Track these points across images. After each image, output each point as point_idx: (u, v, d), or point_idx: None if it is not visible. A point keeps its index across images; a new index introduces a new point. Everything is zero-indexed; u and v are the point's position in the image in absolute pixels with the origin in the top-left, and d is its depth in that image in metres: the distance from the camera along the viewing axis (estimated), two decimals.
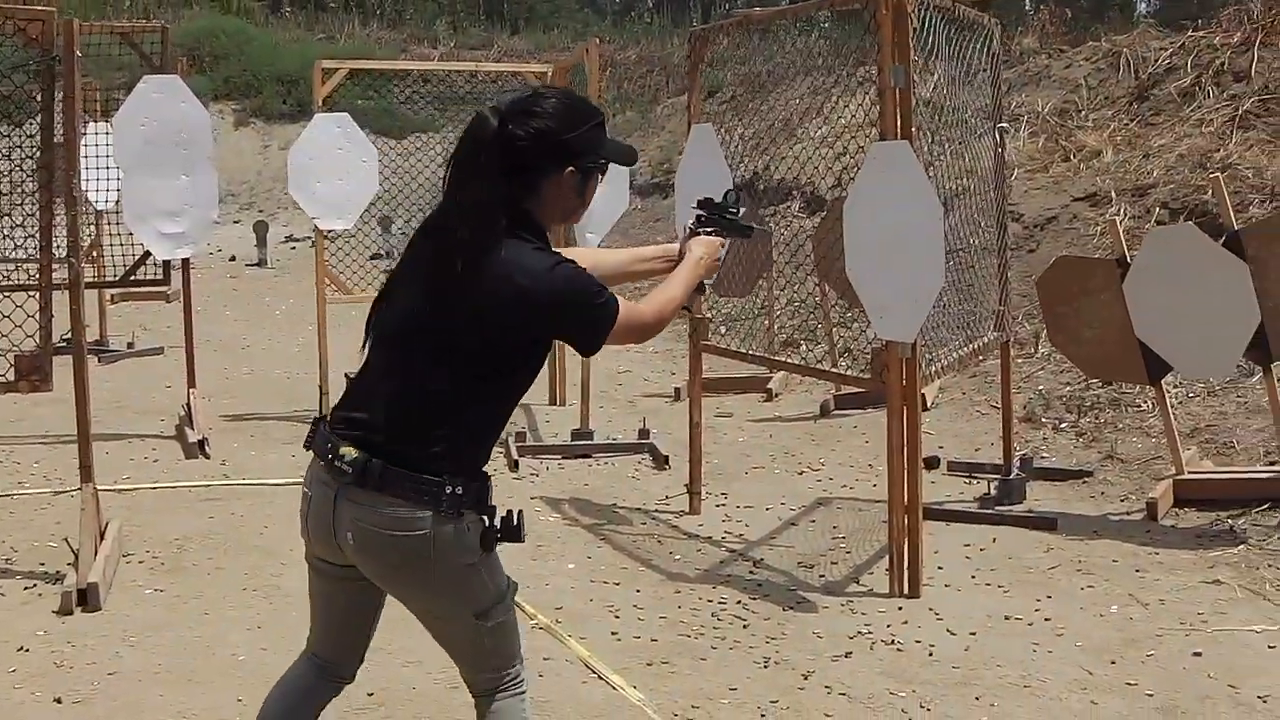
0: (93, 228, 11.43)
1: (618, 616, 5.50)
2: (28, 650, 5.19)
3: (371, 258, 16.71)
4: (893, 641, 5.18)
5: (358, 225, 9.56)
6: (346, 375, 3.92)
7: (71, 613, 5.57)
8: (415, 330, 3.05)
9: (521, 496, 7.43)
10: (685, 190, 6.94)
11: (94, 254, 11.31)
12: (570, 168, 3.11)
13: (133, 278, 8.94)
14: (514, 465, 8.03)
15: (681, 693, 4.70)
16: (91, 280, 9.62)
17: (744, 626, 5.37)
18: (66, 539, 6.21)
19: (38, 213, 5.77)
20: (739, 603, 5.64)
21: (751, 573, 6.07)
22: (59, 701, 4.71)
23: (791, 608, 5.58)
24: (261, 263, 19.53)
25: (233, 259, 19.92)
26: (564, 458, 8.32)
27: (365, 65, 10.46)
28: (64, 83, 5.62)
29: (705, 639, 5.23)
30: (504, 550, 3.22)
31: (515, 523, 3.17)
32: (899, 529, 5.67)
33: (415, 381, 3.04)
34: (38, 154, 5.74)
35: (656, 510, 7.17)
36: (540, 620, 5.42)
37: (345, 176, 9.17)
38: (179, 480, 7.80)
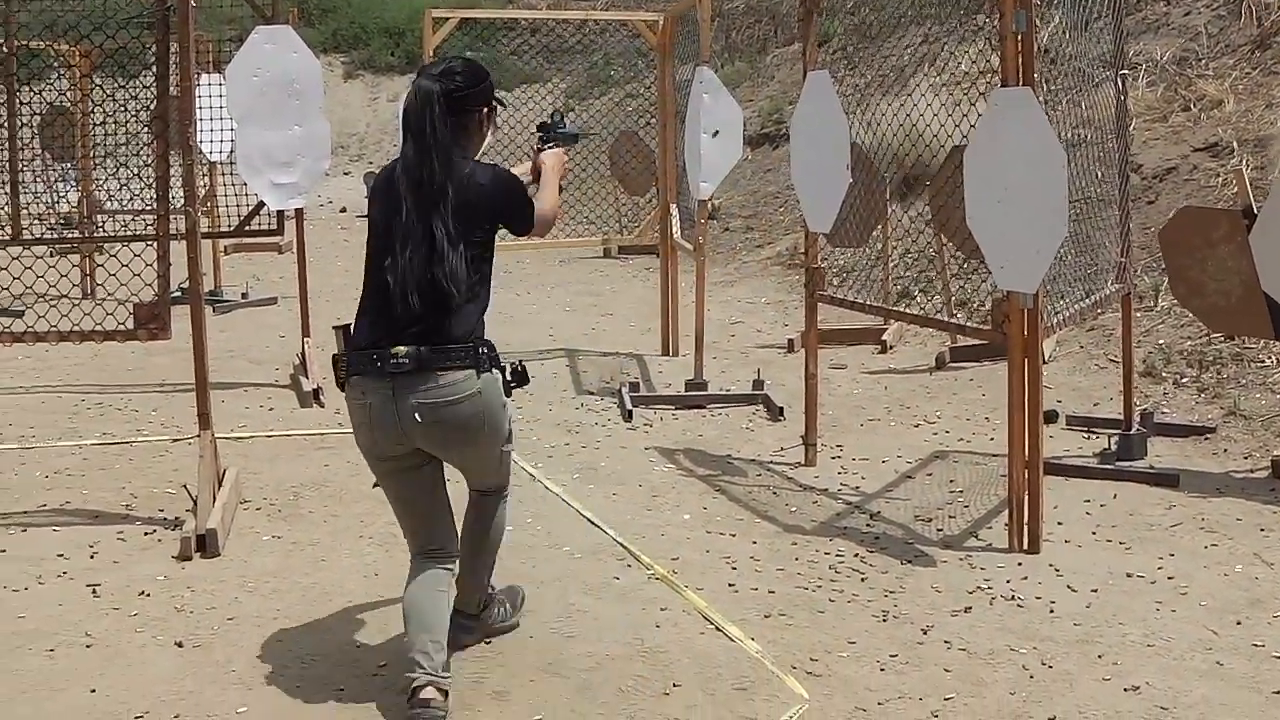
0: (206, 179, 11.57)
1: (734, 568, 5.46)
2: (148, 595, 5.27)
3: None
4: (1013, 597, 5.09)
5: None
6: (334, 326, 4.41)
7: (190, 558, 5.65)
8: (420, 243, 4.00)
9: (634, 446, 7.42)
10: (801, 138, 6.86)
11: (208, 205, 11.46)
12: (485, 108, 4.29)
13: (247, 228, 9.01)
14: (628, 415, 8.01)
15: (800, 645, 4.66)
16: (206, 231, 9.75)
17: (861, 580, 5.31)
18: (185, 485, 6.30)
19: (154, 164, 5.81)
20: (856, 555, 5.58)
21: (868, 526, 6.00)
22: (180, 645, 4.76)
23: (909, 561, 5.51)
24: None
25: (343, 210, 20.12)
26: (677, 408, 8.29)
27: (476, 14, 10.43)
28: (179, 34, 5.64)
29: (823, 591, 5.18)
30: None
31: (521, 370, 4.36)
32: (1019, 484, 5.57)
33: (434, 279, 3.98)
34: (153, 105, 5.76)
35: (771, 462, 7.12)
36: (657, 570, 5.41)
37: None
38: (294, 429, 7.89)
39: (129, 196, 8.09)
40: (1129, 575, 5.31)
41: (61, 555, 5.76)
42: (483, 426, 4.18)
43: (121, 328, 6.04)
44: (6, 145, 9.63)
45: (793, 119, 6.96)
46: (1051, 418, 7.61)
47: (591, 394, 8.70)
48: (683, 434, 7.71)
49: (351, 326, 4.21)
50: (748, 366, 9.24)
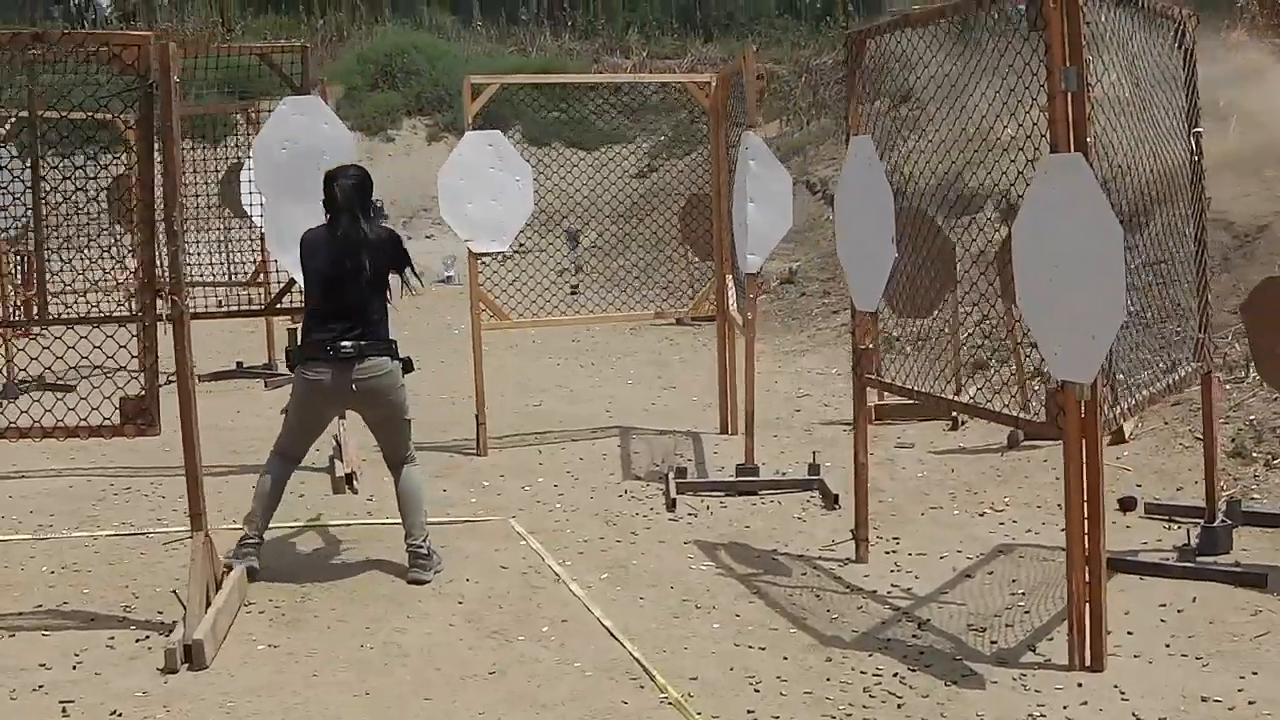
0: (259, 251, 11.29)
1: (757, 690, 4.92)
2: (120, 715, 4.87)
3: (559, 273, 16.48)
4: None
5: (545, 240, 9.17)
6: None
7: (175, 671, 5.24)
8: (347, 277, 6.20)
9: (674, 540, 6.90)
10: (845, 207, 6.35)
11: (260, 276, 11.18)
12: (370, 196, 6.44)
13: (279, 305, 8.64)
14: (670, 505, 7.50)
15: None
16: (246, 308, 9.45)
17: (898, 706, 4.74)
18: (175, 591, 5.90)
19: (137, 246, 5.44)
20: (895, 675, 5.01)
21: (914, 637, 5.43)
22: None
23: (954, 682, 4.93)
24: (448, 279, 19.38)
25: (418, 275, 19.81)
26: (727, 494, 7.77)
27: (516, 80, 10.05)
28: (162, 111, 5.28)
29: None
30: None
31: (407, 359, 6.43)
32: (1079, 593, 4.98)
33: (360, 300, 6.22)
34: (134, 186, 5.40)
35: (820, 558, 6.58)
36: (670, 694, 4.88)
37: (499, 196, 8.78)
38: (319, 519, 7.48)
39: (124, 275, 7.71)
40: (1204, 699, 4.70)
41: (44, 665, 5.38)
42: (392, 397, 6.37)
43: (107, 423, 5.64)
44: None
45: (836, 187, 6.46)
46: (1130, 505, 6.99)
47: (639, 479, 8.20)
48: (729, 525, 7.18)
49: (299, 334, 6.55)
50: (810, 445, 8.68)
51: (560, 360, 12.77)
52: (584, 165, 12.19)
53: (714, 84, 9.08)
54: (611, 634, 5.55)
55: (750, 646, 5.39)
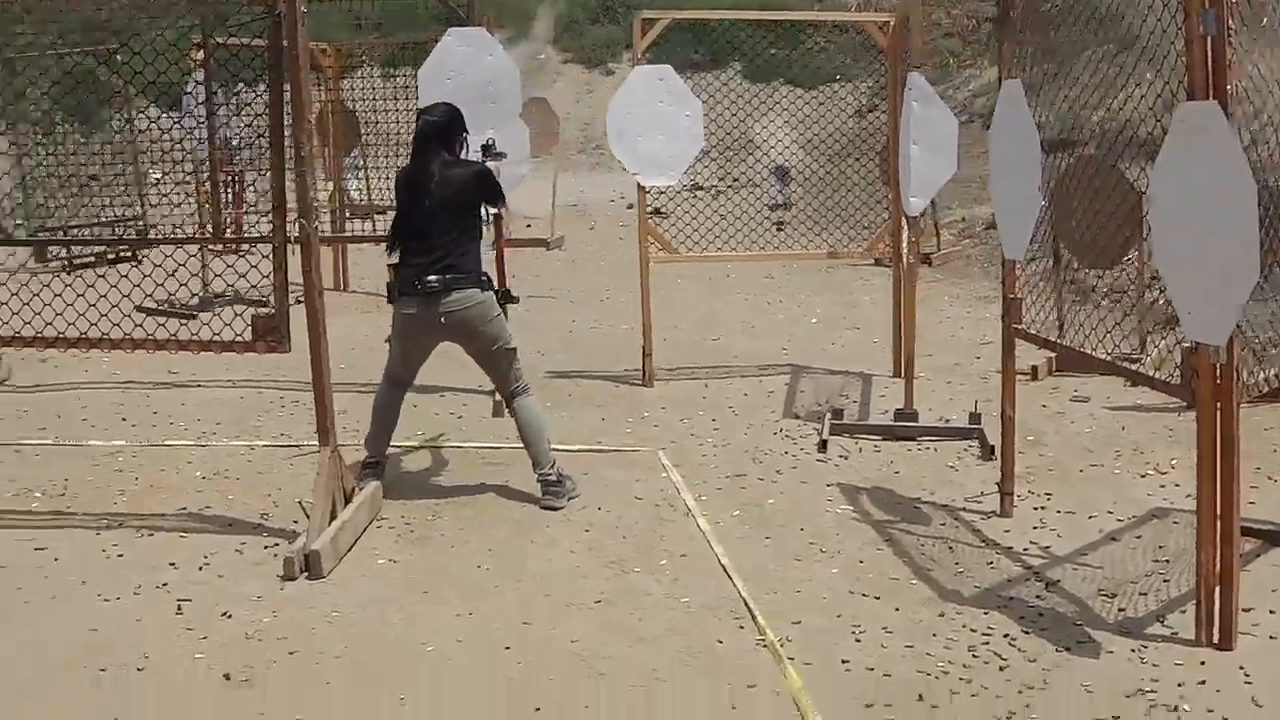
0: None
1: (859, 640, 4.77)
2: (230, 616, 5.01)
3: (771, 208, 16.31)
4: (1176, 708, 4.23)
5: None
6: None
7: (294, 579, 5.37)
8: (430, 213, 6.24)
9: (817, 482, 6.75)
10: (997, 153, 6.06)
11: None
12: (462, 134, 6.50)
13: None
14: (822, 445, 7.33)
15: None
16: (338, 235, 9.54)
17: (1000, 669, 4.53)
18: (300, 502, 6.01)
19: (270, 173, 5.50)
20: (1007, 636, 4.80)
21: (1038, 597, 5.19)
22: (227, 678, 4.48)
23: (1067, 649, 4.69)
24: (658, 211, 19.34)
25: (630, 207, 19.83)
26: (884, 439, 7.56)
27: (687, 15, 9.84)
28: (289, 40, 5.31)
29: (948, 679, 4.44)
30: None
31: (506, 290, 6.68)
32: (1208, 565, 4.67)
33: (442, 235, 6.23)
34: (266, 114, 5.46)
35: (963, 509, 6.35)
36: (768, 637, 4.76)
37: (667, 131, 8.65)
38: (470, 440, 7.54)
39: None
40: None
41: (173, 564, 5.59)
42: (485, 327, 6.35)
43: (239, 339, 5.75)
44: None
45: (990, 132, 6.17)
46: None
47: (797, 418, 8.04)
48: (877, 470, 6.99)
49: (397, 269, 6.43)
50: (985, 392, 8.37)
51: (749, 296, 12.62)
52: (801, 102, 12.00)
53: (893, 24, 8.76)
54: (726, 571, 5.45)
55: (864, 595, 5.23)
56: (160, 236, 8.49)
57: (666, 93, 8.68)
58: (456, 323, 6.26)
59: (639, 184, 8.93)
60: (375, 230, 11.35)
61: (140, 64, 6.65)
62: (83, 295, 6.18)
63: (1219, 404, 4.56)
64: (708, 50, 23.87)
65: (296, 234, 5.61)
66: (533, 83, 24.01)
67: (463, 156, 6.49)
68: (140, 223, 14.00)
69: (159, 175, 12.27)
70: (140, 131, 13.40)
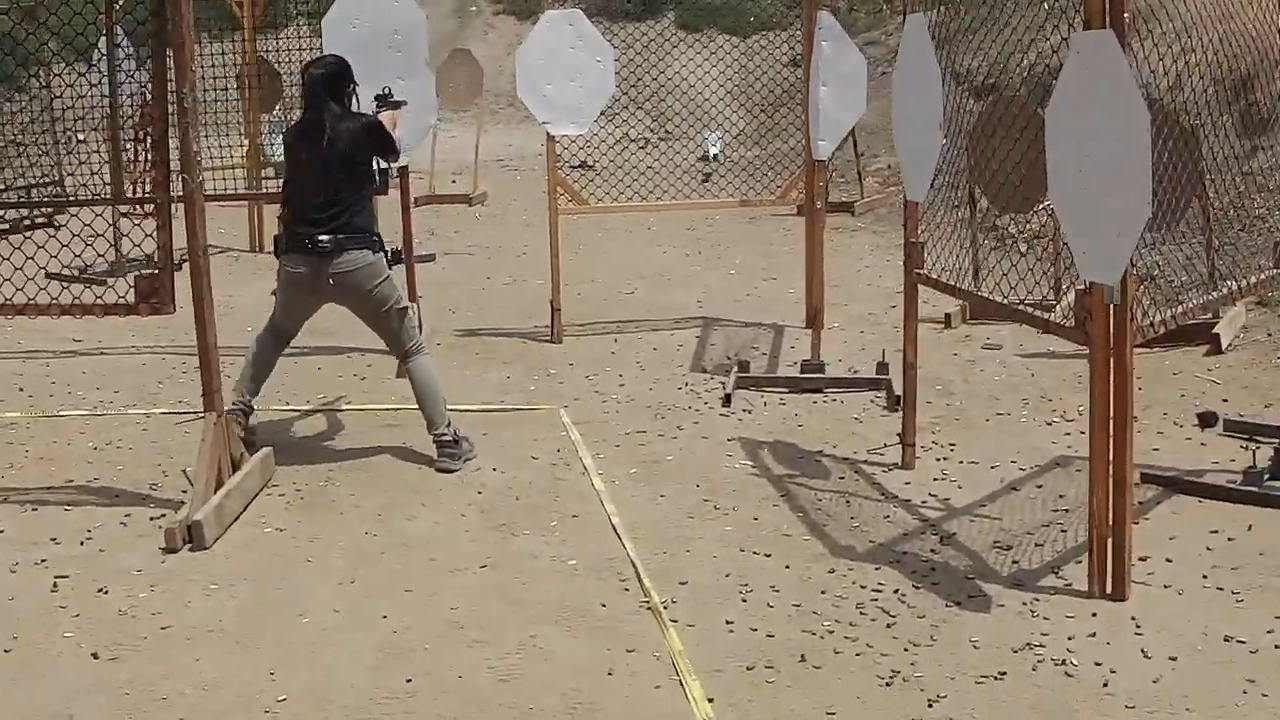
0: None
1: (744, 600, 4.68)
2: (106, 592, 4.86)
3: (701, 159, 16.13)
4: (1064, 661, 4.16)
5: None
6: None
7: (176, 550, 5.22)
8: (321, 168, 6.07)
9: (718, 437, 6.65)
10: (901, 92, 5.93)
11: None
12: (350, 85, 6.30)
13: None
14: (726, 400, 7.22)
15: (763, 713, 3.86)
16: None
17: (888, 625, 4.45)
18: (185, 470, 5.84)
19: (151, 128, 5.30)
20: (897, 592, 4.72)
21: (933, 551, 5.11)
22: (95, 657, 4.35)
23: (957, 603, 4.61)
24: (584, 165, 19.13)
25: (557, 159, 19.59)
26: (789, 391, 7.45)
27: None
28: None
29: (832, 639, 4.36)
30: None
31: (393, 252, 6.60)
32: (1100, 514, 4.60)
33: (340, 191, 6.09)
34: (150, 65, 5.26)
35: (866, 461, 6.26)
36: (652, 599, 4.65)
37: (578, 78, 8.46)
38: (372, 402, 7.37)
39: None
40: (1227, 639, 4.30)
41: (54, 539, 5.42)
42: (373, 288, 6.17)
43: (122, 302, 5.56)
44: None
45: (895, 71, 6.04)
46: (1209, 420, 6.53)
47: (705, 372, 7.92)
48: (781, 423, 6.89)
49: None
50: (897, 343, 8.26)
51: (668, 248, 12.46)
52: (736, 52, 11.83)
53: None
54: (615, 531, 5.34)
55: (755, 553, 5.13)
56: (47, 198, 8.23)
57: (577, 38, 8.48)
58: (346, 285, 6.12)
59: (548, 133, 8.73)
60: None
61: (57, 24, 6.39)
62: None
63: (1112, 346, 4.46)
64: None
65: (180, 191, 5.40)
66: (463, 34, 23.72)
67: (353, 108, 6.31)
68: (58, 187, 13.68)
69: (82, 137, 11.94)
70: (56, 95, 13.09)
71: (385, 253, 6.27)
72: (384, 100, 6.87)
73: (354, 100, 6.33)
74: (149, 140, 12.22)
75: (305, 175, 6.17)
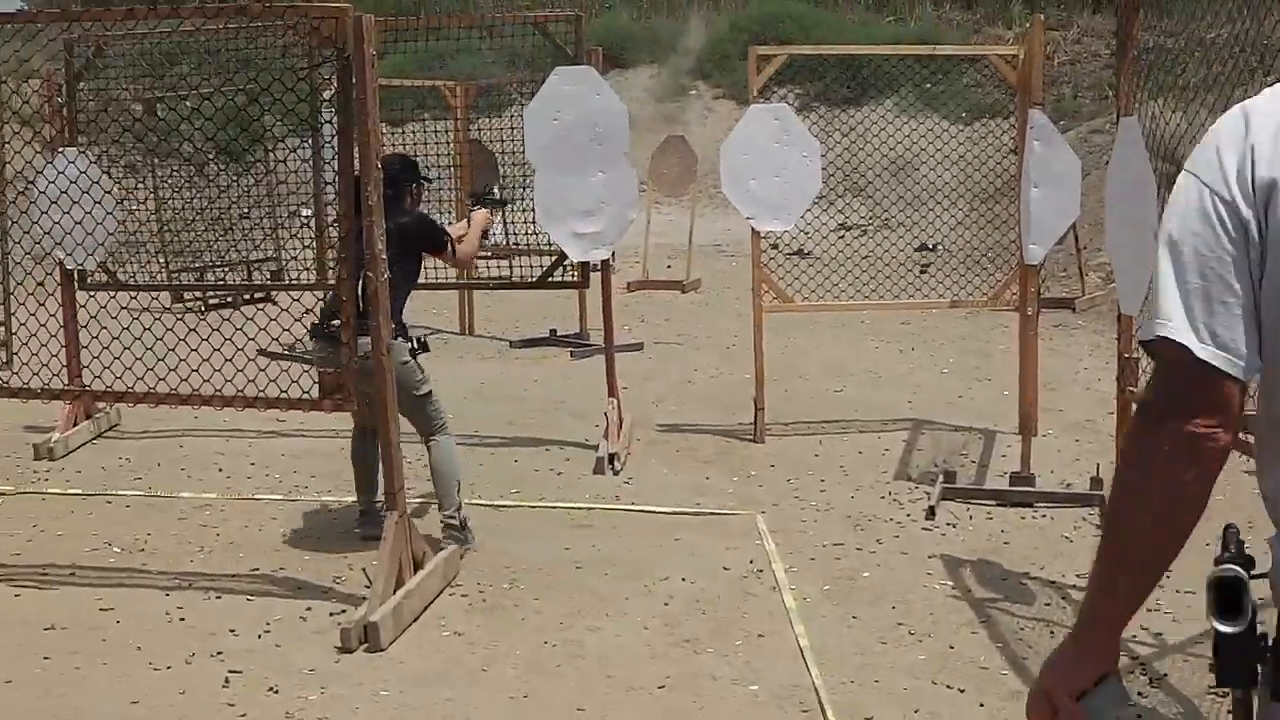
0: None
1: None
2: (276, 691, 4.82)
3: (918, 249, 15.77)
4: None
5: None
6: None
7: (351, 650, 5.17)
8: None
9: (919, 553, 6.35)
10: (1115, 198, 5.63)
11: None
12: (412, 184, 6.40)
13: (549, 278, 8.48)
14: (930, 512, 6.91)
15: None
16: (514, 280, 9.41)
17: None
18: (365, 569, 5.80)
19: (339, 222, 5.32)
20: None
21: (1140, 694, 4.74)
22: None
23: None
24: (799, 252, 18.94)
25: (774, 246, 19.46)
26: (997, 504, 7.12)
27: (804, 51, 9.48)
28: (357, 84, 5.11)
29: None
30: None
31: (422, 344, 6.34)
32: None
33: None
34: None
35: (1074, 586, 5.88)
36: None
37: (783, 173, 8.31)
38: (564, 500, 7.27)
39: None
40: None
41: (233, 630, 5.42)
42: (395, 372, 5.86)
43: (306, 397, 5.57)
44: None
45: (1107, 174, 5.75)
46: None
47: (910, 480, 7.63)
48: (986, 540, 6.56)
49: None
50: (1111, 454, 7.86)
51: (880, 343, 12.17)
52: (957, 141, 11.60)
53: (1022, 58, 8.33)
54: (802, 655, 5.10)
55: (949, 686, 4.84)
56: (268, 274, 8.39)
57: (783, 132, 8.34)
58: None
59: (753, 229, 8.59)
60: (512, 276, 11.02)
61: (273, 102, 6.50)
62: (192, 338, 6.06)
63: None
64: (859, 86, 23.49)
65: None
66: (683, 116, 23.88)
67: (412, 206, 6.40)
68: (275, 265, 14.06)
69: (308, 214, 12.26)
70: (279, 178, 13.51)
71: (411, 342, 6.20)
72: (482, 198, 7.08)
73: (415, 199, 6.43)
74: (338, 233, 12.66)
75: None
